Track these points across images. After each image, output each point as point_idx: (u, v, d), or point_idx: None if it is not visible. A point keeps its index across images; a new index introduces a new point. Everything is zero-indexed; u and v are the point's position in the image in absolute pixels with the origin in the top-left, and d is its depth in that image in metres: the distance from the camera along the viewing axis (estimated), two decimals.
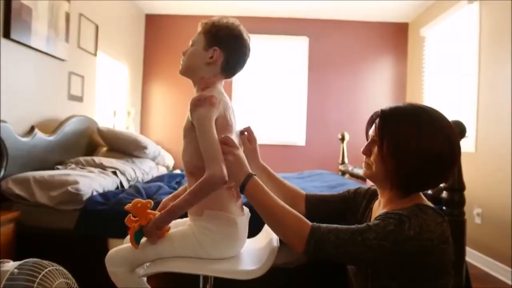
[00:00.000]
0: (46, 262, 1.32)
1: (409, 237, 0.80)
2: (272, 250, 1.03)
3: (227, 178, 0.97)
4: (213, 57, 1.13)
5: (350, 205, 1.16)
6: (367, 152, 0.98)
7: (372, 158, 0.97)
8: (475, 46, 2.96)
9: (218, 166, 0.96)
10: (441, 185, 1.54)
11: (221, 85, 1.19)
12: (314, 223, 0.91)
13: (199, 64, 1.15)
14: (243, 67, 1.21)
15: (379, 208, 1.00)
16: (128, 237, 1.11)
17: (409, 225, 0.81)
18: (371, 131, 0.99)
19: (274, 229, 0.97)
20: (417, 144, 0.87)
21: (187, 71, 1.18)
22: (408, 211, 0.84)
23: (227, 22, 1.15)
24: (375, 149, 0.95)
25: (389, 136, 0.91)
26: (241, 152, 1.05)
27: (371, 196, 1.12)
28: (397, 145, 0.89)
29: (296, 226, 0.91)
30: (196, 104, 1.04)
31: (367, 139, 1.01)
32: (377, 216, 0.88)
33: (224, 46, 1.13)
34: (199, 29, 1.18)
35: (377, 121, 0.96)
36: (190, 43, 1.19)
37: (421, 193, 0.95)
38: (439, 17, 3.53)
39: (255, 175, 1.02)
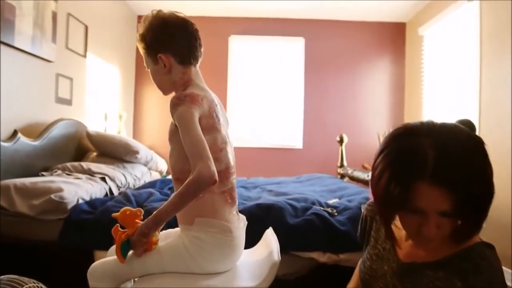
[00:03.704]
0: (24, 278, 1.21)
1: None
2: (273, 265, 0.93)
3: (216, 177, 0.87)
4: (166, 64, 1.06)
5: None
6: (435, 233, 0.66)
7: (441, 233, 0.68)
8: (476, 44, 2.89)
9: (205, 164, 0.87)
10: None
11: (198, 79, 1.10)
12: None
13: (162, 78, 1.10)
14: (197, 40, 1.11)
15: (409, 248, 0.77)
16: (113, 248, 1.01)
17: None
18: (428, 205, 0.64)
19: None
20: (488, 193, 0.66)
21: (163, 90, 1.15)
22: (481, 275, 0.64)
23: (147, 23, 1.08)
24: (445, 223, 0.66)
25: (468, 199, 0.63)
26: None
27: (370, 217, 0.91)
28: (474, 202, 0.64)
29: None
30: (176, 103, 0.95)
31: (414, 210, 0.66)
32: None
33: (162, 47, 1.06)
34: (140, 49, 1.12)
35: (445, 191, 0.62)
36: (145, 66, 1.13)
37: None
38: (437, 16, 3.46)
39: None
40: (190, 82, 1.08)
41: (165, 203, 0.93)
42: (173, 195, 0.93)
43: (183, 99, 0.96)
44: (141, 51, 1.11)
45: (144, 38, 1.08)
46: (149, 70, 1.12)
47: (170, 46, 1.05)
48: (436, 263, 0.70)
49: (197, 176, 0.86)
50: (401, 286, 0.73)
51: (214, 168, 0.88)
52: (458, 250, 0.69)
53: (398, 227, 0.78)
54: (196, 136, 0.91)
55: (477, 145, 0.65)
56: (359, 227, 0.94)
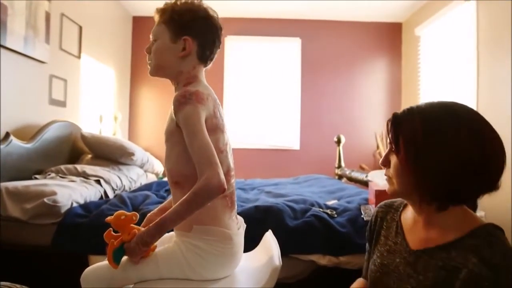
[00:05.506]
0: (16, 285, 1.17)
1: None
2: (274, 269, 0.90)
3: (225, 186, 0.84)
4: (186, 49, 1.00)
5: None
6: (385, 162, 0.82)
7: (391, 170, 0.80)
8: (473, 44, 2.89)
9: (214, 171, 0.83)
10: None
11: (203, 77, 1.06)
12: None
13: (172, 59, 1.01)
14: (219, 48, 1.09)
15: (416, 227, 0.81)
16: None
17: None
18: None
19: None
20: (436, 141, 0.72)
21: (159, 70, 1.03)
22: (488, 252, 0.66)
23: (188, 3, 1.01)
24: (394, 159, 0.79)
25: (403, 137, 0.76)
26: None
27: (385, 212, 0.93)
28: (414, 145, 0.74)
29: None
30: (182, 102, 0.89)
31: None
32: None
33: (194, 32, 1.00)
34: (157, 18, 1.03)
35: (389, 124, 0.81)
36: (152, 37, 1.04)
37: (465, 206, 0.77)
38: (434, 16, 3.46)
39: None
40: (195, 78, 1.03)
41: (170, 211, 0.88)
42: (178, 202, 0.87)
43: (189, 97, 0.90)
44: (162, 19, 1.02)
45: (178, 11, 0.99)
46: (155, 41, 1.03)
47: (202, 38, 1.01)
48: (448, 244, 0.72)
49: (206, 184, 0.82)
50: (415, 274, 0.74)
51: (223, 175, 0.84)
52: (468, 231, 0.72)
53: (406, 218, 0.86)
54: (204, 139, 0.86)
55: (430, 112, 0.76)
56: (368, 228, 0.96)
